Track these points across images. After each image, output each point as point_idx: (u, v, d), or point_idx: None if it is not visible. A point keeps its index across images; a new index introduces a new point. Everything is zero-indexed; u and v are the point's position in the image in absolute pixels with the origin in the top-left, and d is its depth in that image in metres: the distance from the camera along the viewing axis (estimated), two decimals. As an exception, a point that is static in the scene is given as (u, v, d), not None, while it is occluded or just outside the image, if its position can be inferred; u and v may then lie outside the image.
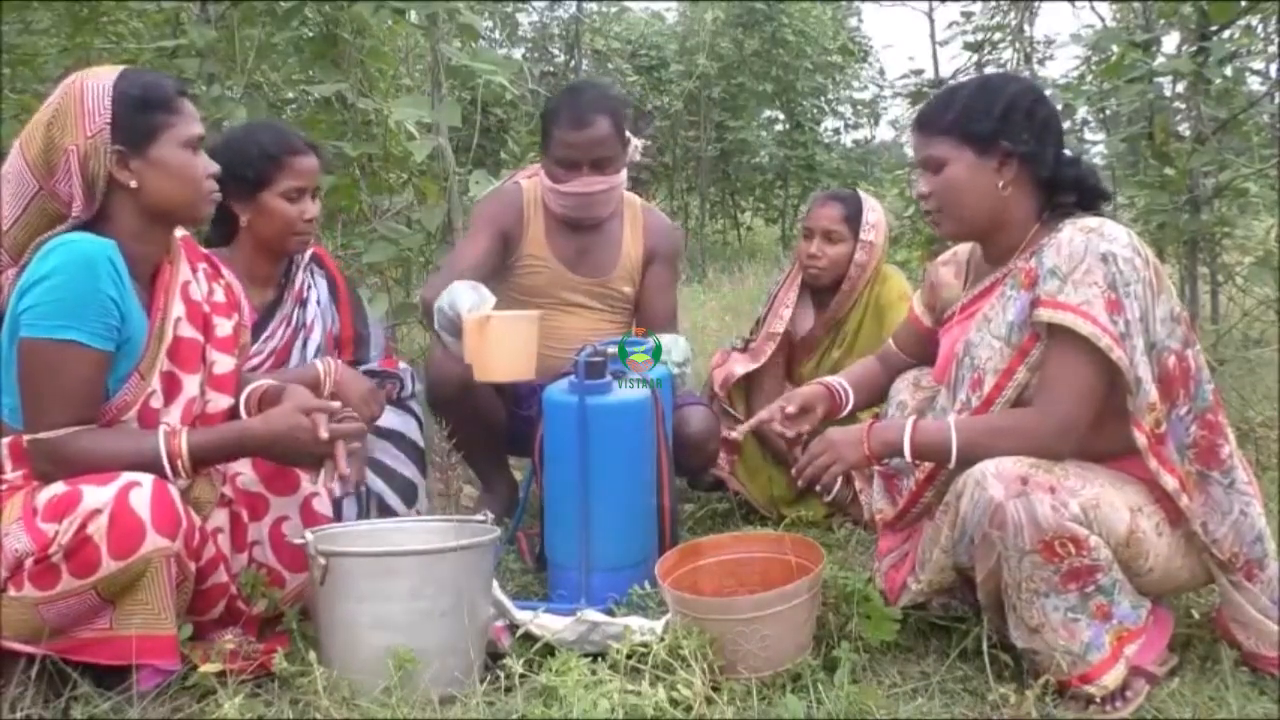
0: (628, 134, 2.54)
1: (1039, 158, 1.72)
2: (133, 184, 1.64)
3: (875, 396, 2.12)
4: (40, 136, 1.64)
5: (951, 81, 4.84)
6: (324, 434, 1.67)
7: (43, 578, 1.50)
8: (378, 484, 2.24)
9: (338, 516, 2.09)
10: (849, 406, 2.05)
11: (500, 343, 1.99)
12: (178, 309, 1.75)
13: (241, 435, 1.69)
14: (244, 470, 1.83)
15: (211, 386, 1.80)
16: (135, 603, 1.55)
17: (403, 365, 2.42)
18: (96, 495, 1.51)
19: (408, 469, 2.29)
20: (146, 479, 1.55)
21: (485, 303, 2.07)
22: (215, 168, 1.74)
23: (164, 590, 1.55)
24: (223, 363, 1.82)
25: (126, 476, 1.54)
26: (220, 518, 1.79)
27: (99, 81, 1.65)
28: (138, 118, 1.64)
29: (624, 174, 2.55)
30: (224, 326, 1.85)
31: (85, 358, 1.57)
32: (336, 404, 1.77)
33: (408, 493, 2.27)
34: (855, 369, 2.16)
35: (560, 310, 2.54)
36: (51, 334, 1.55)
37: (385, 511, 2.22)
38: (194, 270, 1.83)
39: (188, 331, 1.76)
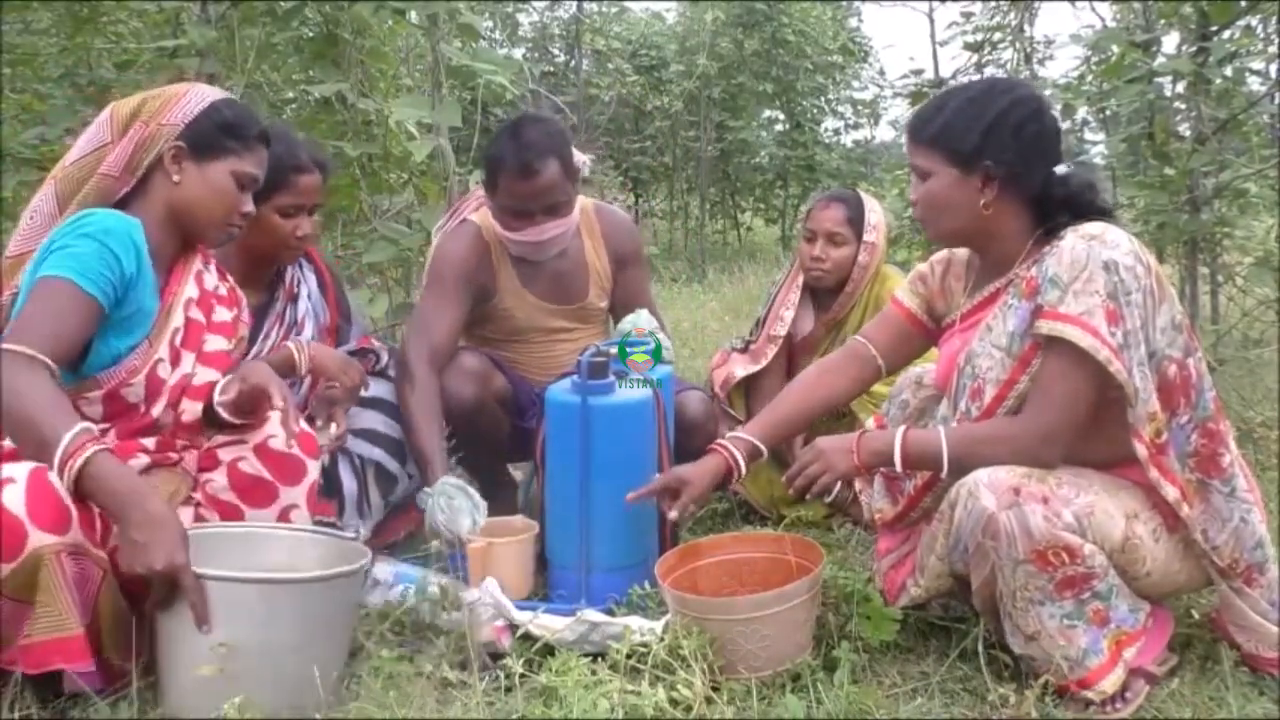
0: (575, 159, 2.43)
1: (1024, 178, 1.69)
2: (175, 179, 1.80)
3: (805, 424, 2.01)
4: (135, 103, 1.83)
5: (951, 82, 4.84)
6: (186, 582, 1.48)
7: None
8: (370, 450, 2.26)
9: (334, 484, 2.15)
10: (742, 472, 1.91)
11: (500, 566, 1.98)
12: (191, 291, 1.86)
13: (128, 501, 1.51)
14: (217, 478, 1.78)
15: (200, 361, 1.85)
16: (40, 605, 1.49)
17: (376, 342, 2.48)
18: None
19: (396, 430, 2.33)
20: (21, 473, 1.49)
21: (479, 512, 2.05)
22: (250, 208, 1.87)
23: (62, 589, 1.49)
24: (214, 342, 1.89)
25: (3, 471, 1.49)
26: (185, 518, 1.71)
27: (206, 92, 1.85)
28: (214, 133, 1.81)
29: (577, 209, 2.46)
30: (222, 313, 1.94)
31: (74, 295, 1.63)
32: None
33: (398, 452, 2.31)
34: (783, 405, 1.99)
35: (545, 340, 2.55)
36: (51, 270, 1.64)
37: (381, 474, 2.26)
38: (205, 263, 1.94)
39: (196, 314, 1.86)
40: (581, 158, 2.49)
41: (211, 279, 1.93)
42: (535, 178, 2.31)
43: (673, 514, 1.91)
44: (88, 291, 1.63)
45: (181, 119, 1.80)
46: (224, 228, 1.86)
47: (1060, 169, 1.71)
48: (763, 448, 1.94)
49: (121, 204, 1.80)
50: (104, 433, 1.70)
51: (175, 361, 1.81)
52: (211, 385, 1.84)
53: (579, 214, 2.53)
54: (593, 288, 2.57)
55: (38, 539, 1.47)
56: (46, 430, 1.51)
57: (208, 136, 1.81)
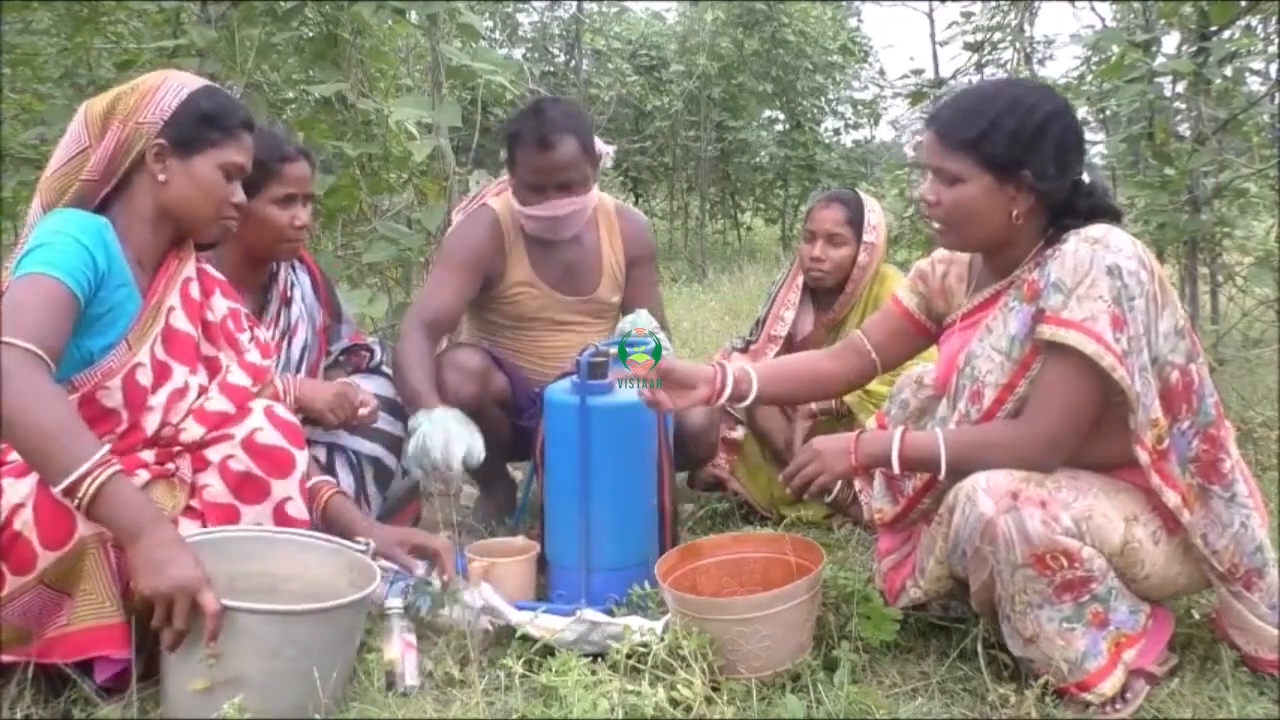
0: (597, 147, 2.47)
1: (1056, 189, 1.66)
2: (161, 178, 1.75)
3: (800, 391, 2.04)
4: (108, 101, 1.75)
5: (952, 81, 4.84)
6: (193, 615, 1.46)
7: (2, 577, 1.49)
8: (370, 446, 2.27)
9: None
10: (724, 395, 1.89)
11: (501, 586, 1.96)
12: (173, 299, 1.78)
13: (143, 523, 1.49)
14: (212, 482, 1.75)
15: (220, 389, 1.81)
16: (81, 594, 1.53)
17: (369, 338, 2.50)
18: (16, 489, 1.51)
19: (394, 426, 2.33)
20: None
21: (477, 446, 2.06)
22: (242, 198, 1.82)
23: (105, 578, 1.53)
24: (237, 375, 1.84)
25: None
26: (191, 530, 1.71)
27: (180, 82, 1.78)
28: (194, 127, 1.76)
29: (594, 192, 2.49)
30: (256, 357, 1.91)
31: (58, 291, 1.57)
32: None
33: (395, 448, 2.31)
34: (785, 362, 2.07)
35: (552, 330, 2.55)
36: (33, 268, 1.58)
37: (380, 469, 2.27)
38: (204, 287, 1.87)
39: (181, 324, 1.79)
40: (605, 148, 2.53)
41: (220, 309, 1.87)
42: (551, 151, 2.35)
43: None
44: (69, 287, 1.58)
45: (159, 116, 1.73)
46: (217, 222, 1.81)
47: (1085, 177, 1.69)
48: (754, 379, 1.90)
49: (103, 205, 1.73)
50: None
51: (161, 373, 1.73)
52: (224, 415, 1.79)
53: (600, 208, 2.57)
54: (605, 282, 2.58)
55: (85, 527, 1.51)
56: (59, 447, 1.47)
57: (189, 131, 1.74)
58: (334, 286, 2.50)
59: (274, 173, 2.14)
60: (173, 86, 1.75)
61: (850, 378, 2.00)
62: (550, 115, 2.37)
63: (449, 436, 2.04)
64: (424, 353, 2.31)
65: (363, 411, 2.16)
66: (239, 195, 1.82)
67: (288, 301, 2.30)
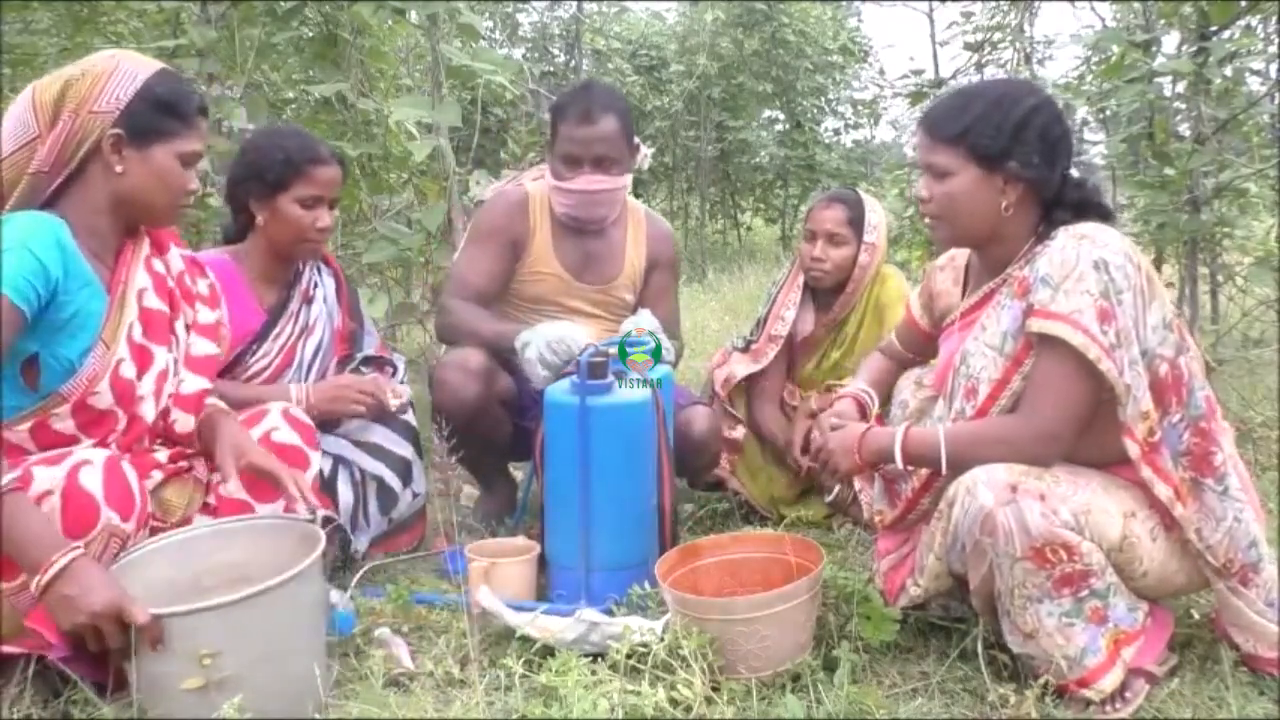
0: (636, 141, 2.54)
1: (1046, 181, 1.70)
2: (119, 169, 1.68)
3: (888, 391, 2.12)
4: (58, 88, 1.67)
5: (952, 81, 4.83)
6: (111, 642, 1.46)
7: (5, 566, 1.50)
8: (375, 465, 2.27)
9: (333, 498, 2.17)
10: (875, 409, 2.05)
11: (502, 586, 1.97)
12: (142, 280, 1.76)
13: (39, 551, 1.45)
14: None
15: (188, 367, 1.82)
16: None
17: (395, 354, 2.52)
18: (47, 475, 1.51)
19: (403, 448, 2.35)
20: (98, 457, 1.54)
21: (581, 331, 2.23)
22: (195, 186, 1.78)
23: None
24: (201, 345, 1.85)
25: (78, 455, 1.54)
26: (202, 523, 1.75)
27: (134, 69, 1.69)
28: (152, 116, 1.69)
29: (628, 179, 2.54)
30: (206, 314, 1.89)
31: (3, 306, 1.51)
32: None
33: (403, 470, 2.33)
34: (870, 369, 2.14)
35: (563, 317, 2.55)
36: None
37: (383, 490, 2.27)
38: (162, 252, 1.85)
39: (154, 303, 1.78)
40: (644, 149, 2.60)
41: (160, 264, 1.83)
42: (593, 124, 2.42)
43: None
44: (14, 303, 1.52)
45: (115, 105, 1.65)
46: (175, 211, 1.77)
47: (1074, 172, 1.73)
48: (875, 396, 2.06)
49: (54, 196, 1.68)
50: (103, 444, 1.66)
51: (143, 360, 1.72)
52: (202, 394, 1.79)
53: (630, 209, 2.64)
54: (623, 277, 2.61)
55: (107, 517, 1.52)
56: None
57: (146, 120, 1.67)
58: (356, 294, 2.51)
59: (302, 173, 2.16)
60: (127, 72, 1.68)
61: (898, 369, 2.13)
62: (596, 92, 2.47)
63: (564, 331, 2.20)
64: (473, 309, 2.44)
65: (395, 402, 2.20)
66: (194, 183, 1.77)
67: (309, 300, 2.32)
